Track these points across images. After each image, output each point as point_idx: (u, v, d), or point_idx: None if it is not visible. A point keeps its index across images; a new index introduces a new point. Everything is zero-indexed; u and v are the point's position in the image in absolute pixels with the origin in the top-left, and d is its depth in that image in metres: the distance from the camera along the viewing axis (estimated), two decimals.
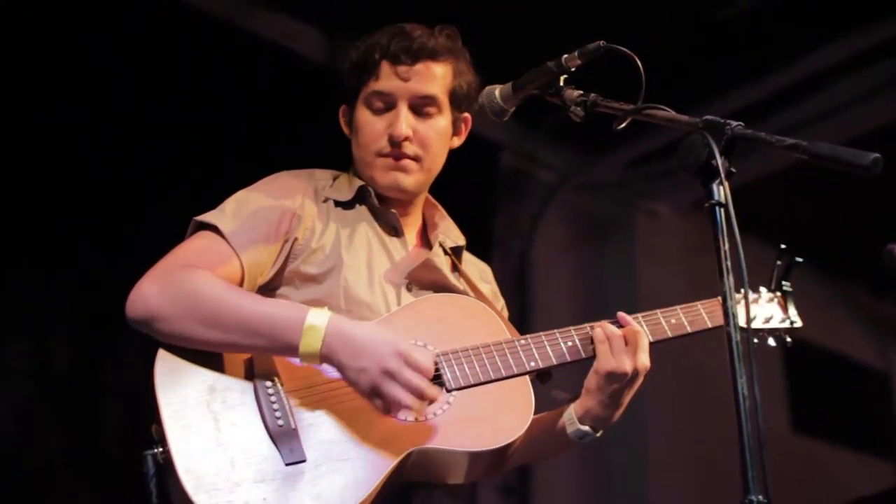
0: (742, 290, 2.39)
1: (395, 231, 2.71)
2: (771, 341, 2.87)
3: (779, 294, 2.88)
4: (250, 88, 5.33)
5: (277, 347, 2.38)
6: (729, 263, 2.08)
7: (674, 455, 6.54)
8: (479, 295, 2.72)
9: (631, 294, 6.46)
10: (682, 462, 6.53)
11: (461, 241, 2.82)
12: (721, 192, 2.12)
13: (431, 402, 2.37)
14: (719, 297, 2.10)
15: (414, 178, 2.68)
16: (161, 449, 2.31)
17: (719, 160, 2.10)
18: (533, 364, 2.51)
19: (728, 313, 2.05)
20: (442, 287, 2.67)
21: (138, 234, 5.14)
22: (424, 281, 2.65)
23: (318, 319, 2.36)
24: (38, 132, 4.86)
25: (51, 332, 4.98)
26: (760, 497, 1.93)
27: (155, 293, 2.41)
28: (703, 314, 2.66)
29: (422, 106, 2.66)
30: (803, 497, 5.80)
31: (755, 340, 2.82)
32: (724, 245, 2.09)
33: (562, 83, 2.48)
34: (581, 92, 2.46)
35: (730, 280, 2.08)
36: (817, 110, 5.86)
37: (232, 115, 5.26)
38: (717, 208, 2.12)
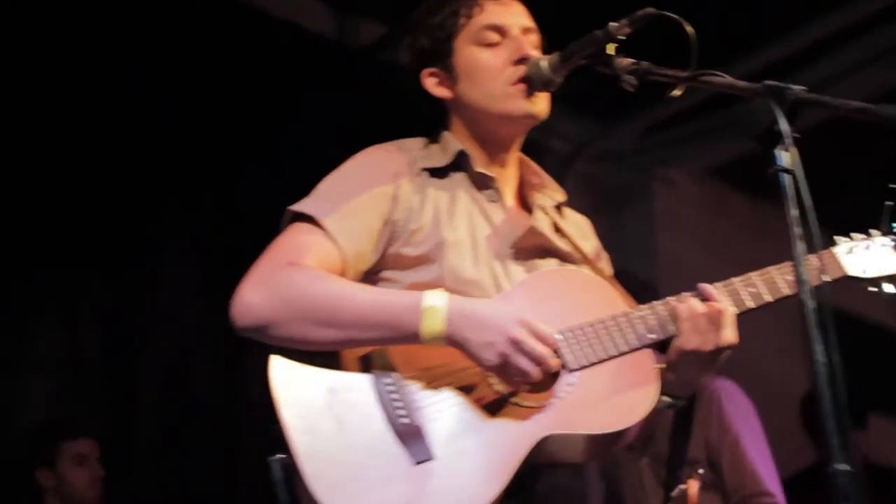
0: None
1: (493, 196, 2.61)
2: (889, 287, 2.65)
3: (892, 237, 2.68)
4: (261, 66, 5.29)
5: (398, 336, 2.30)
6: (798, 230, 2.05)
7: None
8: (583, 255, 2.64)
9: (649, 262, 6.42)
10: None
11: (560, 196, 2.72)
12: (786, 157, 2.09)
13: (552, 374, 2.31)
14: (790, 262, 2.05)
15: (546, 104, 2.61)
16: (286, 454, 2.23)
17: (784, 125, 2.07)
18: (652, 336, 2.43)
19: (801, 280, 2.02)
20: (547, 251, 2.59)
21: (161, 222, 5.15)
22: (529, 247, 2.57)
23: (437, 300, 2.29)
24: (58, 128, 4.85)
25: (80, 321, 4.98)
26: (845, 465, 1.91)
27: (260, 299, 2.33)
28: (777, 281, 2.53)
29: (528, 38, 2.61)
30: None
31: (874, 289, 2.64)
32: (791, 211, 2.06)
33: (610, 52, 2.44)
34: (633, 60, 2.40)
35: (801, 246, 2.05)
36: (841, 67, 5.79)
37: (245, 95, 5.23)
38: (782, 174, 2.09)
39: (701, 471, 3.61)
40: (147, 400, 5.08)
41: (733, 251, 6.72)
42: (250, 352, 4.94)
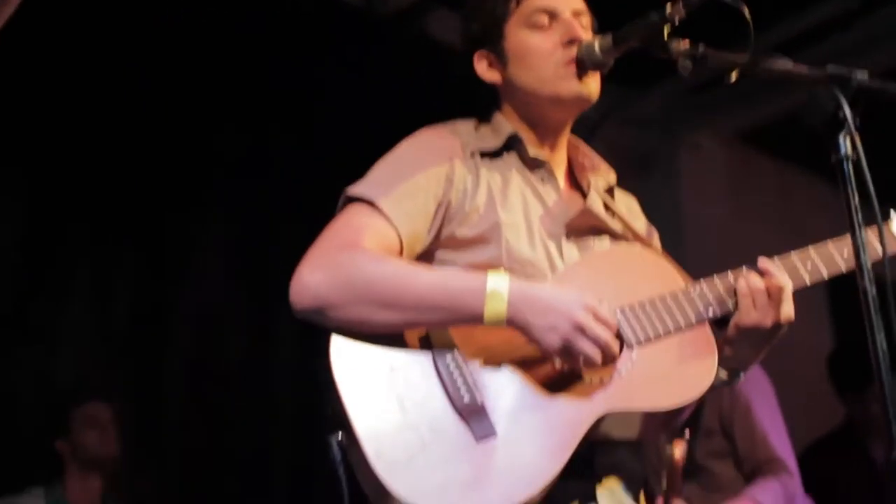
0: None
1: (546, 177, 2.62)
2: None
3: None
4: (290, 34, 5.28)
5: (459, 318, 2.31)
6: (860, 217, 2.06)
7: None
8: (636, 235, 2.66)
9: (676, 227, 6.42)
10: None
11: (612, 178, 2.73)
12: (849, 144, 2.08)
13: (614, 358, 2.32)
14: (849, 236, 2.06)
15: (597, 85, 2.61)
16: (344, 434, 2.24)
17: (847, 112, 2.07)
18: (711, 311, 2.45)
19: (862, 268, 2.02)
20: (600, 231, 2.60)
21: (190, 190, 5.16)
22: (583, 228, 2.58)
23: (499, 283, 2.29)
24: (90, 106, 4.87)
25: (111, 290, 5.00)
26: None
27: (320, 280, 2.31)
28: (835, 256, 2.53)
29: (579, 20, 2.61)
30: None
31: None
32: (853, 199, 2.06)
33: (666, 35, 2.43)
34: (689, 43, 2.40)
35: (862, 235, 2.05)
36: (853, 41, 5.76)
37: (274, 64, 5.23)
38: (844, 161, 2.09)
39: (687, 435, 3.65)
40: (177, 367, 5.12)
41: (760, 215, 6.73)
42: (280, 319, 5.01)
